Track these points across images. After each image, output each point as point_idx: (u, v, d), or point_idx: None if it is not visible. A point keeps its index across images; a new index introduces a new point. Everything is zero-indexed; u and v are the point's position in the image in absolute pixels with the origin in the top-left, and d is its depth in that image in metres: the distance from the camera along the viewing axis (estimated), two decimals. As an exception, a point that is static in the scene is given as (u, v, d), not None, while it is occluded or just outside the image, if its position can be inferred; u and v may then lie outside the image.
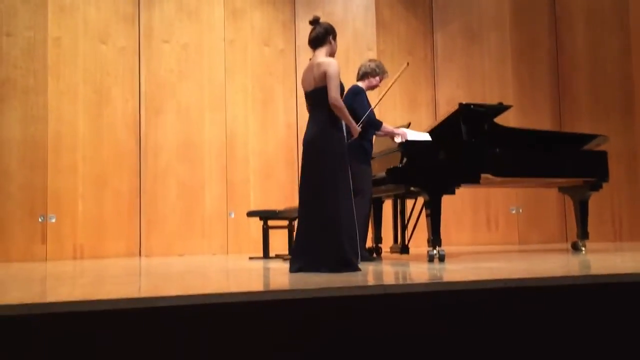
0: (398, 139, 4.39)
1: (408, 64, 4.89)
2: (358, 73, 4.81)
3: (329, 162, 3.57)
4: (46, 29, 6.55)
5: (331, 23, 3.89)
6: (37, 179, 6.39)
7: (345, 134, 3.73)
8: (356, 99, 4.57)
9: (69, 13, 6.69)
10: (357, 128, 3.83)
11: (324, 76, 3.60)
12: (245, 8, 7.46)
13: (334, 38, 3.82)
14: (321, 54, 3.74)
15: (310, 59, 3.81)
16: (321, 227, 3.52)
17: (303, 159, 3.72)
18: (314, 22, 3.82)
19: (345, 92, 4.52)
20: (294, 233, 5.59)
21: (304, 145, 3.73)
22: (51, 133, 6.48)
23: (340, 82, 3.69)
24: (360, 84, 4.74)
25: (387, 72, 4.85)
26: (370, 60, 4.85)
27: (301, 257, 3.55)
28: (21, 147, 6.39)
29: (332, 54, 3.79)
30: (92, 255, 6.52)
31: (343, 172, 3.60)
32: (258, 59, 7.48)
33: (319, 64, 3.67)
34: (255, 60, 7.46)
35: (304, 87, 3.81)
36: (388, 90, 4.68)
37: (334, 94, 3.59)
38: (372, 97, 4.95)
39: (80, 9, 6.76)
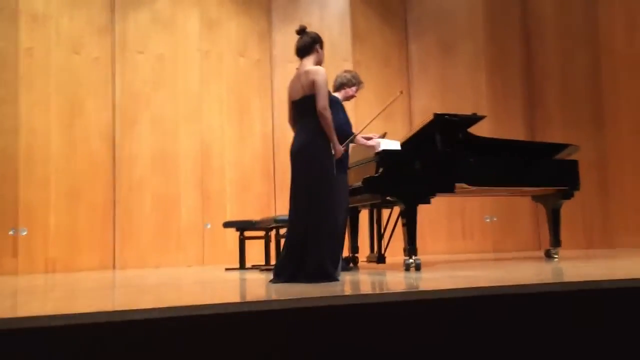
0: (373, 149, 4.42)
1: (402, 92, 4.83)
2: (334, 84, 4.82)
3: (316, 172, 3.57)
4: (18, 39, 6.47)
5: None
6: (8, 191, 6.28)
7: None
8: (332, 109, 4.56)
9: (41, 23, 6.61)
10: (338, 146, 3.76)
11: (312, 84, 3.60)
12: (221, 19, 7.46)
13: (321, 47, 3.84)
14: (309, 63, 3.74)
15: (297, 68, 3.80)
16: (305, 237, 3.52)
17: (292, 168, 3.70)
18: (301, 31, 3.84)
19: None
20: (270, 244, 5.62)
21: (291, 154, 3.71)
22: (22, 145, 6.38)
23: (332, 97, 3.68)
24: (337, 94, 4.76)
25: (363, 83, 4.86)
26: (346, 71, 4.86)
27: (285, 267, 3.55)
28: (-8, 158, 6.28)
29: (319, 62, 3.79)
30: (65, 269, 6.41)
31: (330, 182, 3.59)
32: (234, 70, 7.47)
33: (307, 72, 3.66)
34: (230, 71, 7.45)
35: (291, 96, 3.79)
36: (378, 115, 4.64)
37: (322, 102, 3.57)
38: (348, 107, 4.97)
39: (53, 19, 6.69)
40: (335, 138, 3.68)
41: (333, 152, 3.69)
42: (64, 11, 6.76)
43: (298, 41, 3.81)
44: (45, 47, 6.61)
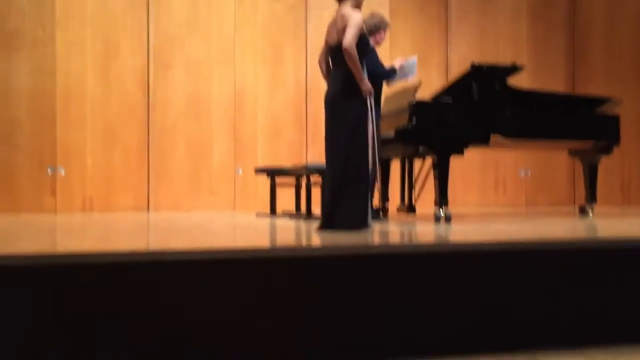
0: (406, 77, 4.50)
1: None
2: None
3: (349, 121, 3.54)
4: (54, -21, 6.46)
5: None
6: (46, 130, 6.41)
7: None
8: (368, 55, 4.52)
9: (77, -37, 6.58)
10: (367, 83, 3.67)
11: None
12: (256, -39, 7.30)
13: None
14: (345, 7, 3.62)
15: (336, 11, 3.70)
16: (338, 185, 3.53)
17: (325, 117, 3.67)
18: None
19: None
20: (301, 190, 5.65)
21: (325, 102, 3.68)
22: (59, 85, 6.46)
23: (368, 40, 3.61)
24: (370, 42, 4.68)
25: (389, 23, 4.79)
26: (371, 16, 4.77)
27: (323, 214, 3.60)
28: (30, 98, 6.39)
29: (357, 6, 3.66)
30: (101, 208, 6.58)
31: (363, 131, 3.56)
32: (268, 15, 7.35)
33: (342, 16, 3.57)
34: (265, 15, 7.34)
35: (327, 41, 3.72)
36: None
37: (349, 39, 3.47)
38: (384, 57, 4.88)
39: (88, -41, 6.64)
40: (362, 73, 3.59)
41: (362, 91, 3.62)
42: (99, -49, 6.70)
43: None
44: (81, -12, 6.60)
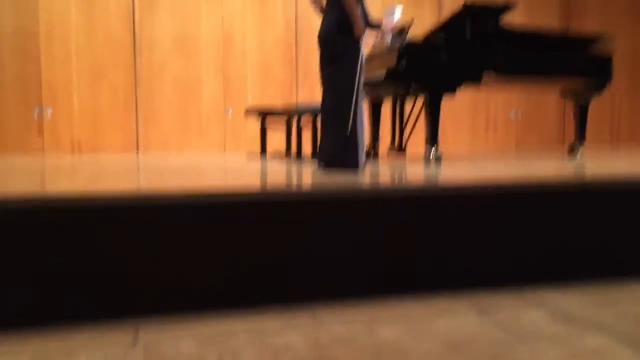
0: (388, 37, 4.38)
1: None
2: None
3: (340, 62, 3.50)
4: None
5: None
6: (31, 69, 6.27)
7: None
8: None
9: None
10: (361, 25, 3.64)
11: None
12: None
13: None
14: None
15: None
16: (328, 125, 3.56)
17: (319, 54, 3.64)
18: None
19: None
20: (292, 131, 5.62)
21: (318, 40, 3.64)
22: (42, 23, 6.28)
23: (365, 9, 3.53)
24: None
25: None
26: None
27: (319, 153, 3.64)
28: (12, 37, 6.22)
29: None
30: (90, 149, 6.53)
31: (353, 72, 3.53)
32: (256, -51, 7.11)
33: None
34: (253, -51, 7.10)
35: None
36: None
37: None
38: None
39: None
40: (357, 14, 3.51)
41: (356, 30, 3.57)
42: None
43: None
44: None
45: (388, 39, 4.65)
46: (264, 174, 3.38)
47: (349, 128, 3.53)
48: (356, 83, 3.57)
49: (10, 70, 6.21)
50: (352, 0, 3.48)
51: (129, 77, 6.77)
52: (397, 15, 4.42)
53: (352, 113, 3.56)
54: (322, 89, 3.68)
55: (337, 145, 3.52)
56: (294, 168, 3.85)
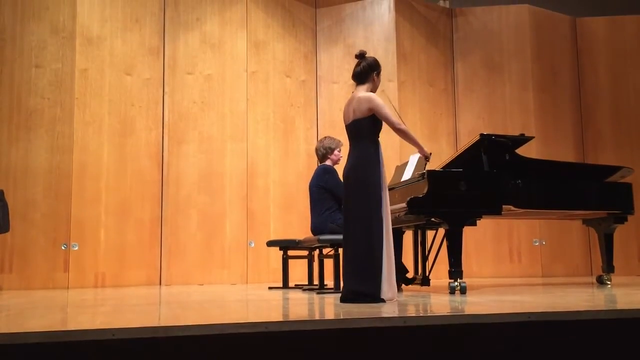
0: None
1: (429, 157, 4.35)
2: (317, 156, 5.30)
3: (363, 195, 3.64)
4: (74, 60, 6.71)
5: (354, 55, 3.94)
6: (61, 207, 6.47)
7: (382, 165, 3.74)
8: (329, 177, 5.06)
9: (96, 45, 6.85)
10: (424, 150, 4.07)
11: (366, 111, 3.68)
12: (268, 40, 7.58)
13: (378, 74, 3.88)
14: (362, 90, 3.80)
15: (352, 92, 3.89)
16: (351, 258, 3.62)
17: (344, 190, 3.82)
18: (360, 56, 3.88)
19: (314, 174, 5.23)
20: (314, 263, 5.61)
21: (343, 176, 3.84)
22: (76, 163, 6.58)
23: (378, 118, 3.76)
24: (328, 162, 5.21)
25: (341, 142, 5.11)
26: (320, 141, 5.34)
27: (344, 287, 3.67)
28: (47, 176, 6.49)
29: (373, 90, 3.85)
30: (113, 284, 6.55)
31: (377, 205, 3.64)
32: (279, 90, 7.56)
33: (359, 99, 3.75)
34: (276, 91, 7.54)
35: (344, 120, 3.89)
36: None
37: (391, 121, 3.74)
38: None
39: (107, 42, 6.92)
40: (418, 142, 3.97)
41: (424, 155, 4.12)
42: (117, 34, 6.99)
43: (356, 66, 3.87)
44: (99, 69, 6.84)
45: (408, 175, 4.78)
46: (284, 308, 3.33)
47: (377, 259, 3.55)
48: (384, 216, 3.64)
49: (42, 209, 6.42)
50: (407, 134, 3.85)
51: (156, 212, 6.94)
52: (415, 161, 4.75)
53: (380, 245, 3.59)
54: (345, 223, 3.74)
55: (363, 278, 3.51)
56: (315, 301, 3.80)
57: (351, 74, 3.91)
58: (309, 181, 5.36)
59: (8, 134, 6.47)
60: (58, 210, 6.46)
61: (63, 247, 6.40)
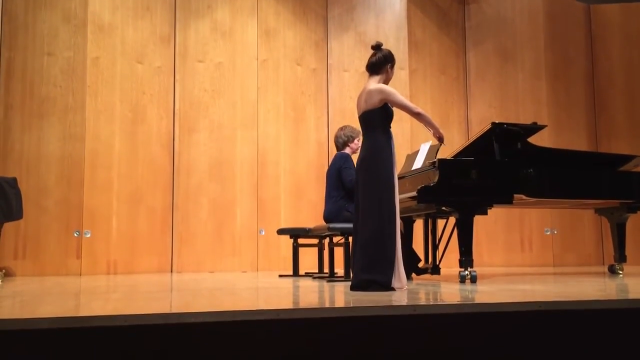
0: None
1: (443, 143, 4.32)
2: (337, 145, 5.33)
3: (375, 184, 3.64)
4: (85, 49, 6.73)
5: (365, 43, 3.93)
6: (74, 195, 6.52)
7: (394, 156, 3.74)
8: (345, 163, 5.10)
9: (107, 34, 6.87)
10: (440, 131, 3.99)
11: (377, 102, 3.69)
12: (278, 28, 7.55)
13: (392, 67, 3.87)
14: (374, 81, 3.81)
15: (365, 84, 3.89)
16: (362, 247, 3.61)
17: (356, 179, 3.82)
18: (376, 47, 3.87)
19: (334, 160, 5.25)
20: (324, 251, 5.63)
21: (356, 166, 3.87)
22: (88, 150, 6.62)
23: (389, 108, 3.75)
24: (347, 150, 5.25)
25: (361, 133, 5.09)
26: (341, 129, 5.33)
27: (353, 275, 3.66)
28: (59, 163, 6.54)
29: (386, 82, 3.85)
30: (125, 271, 6.60)
31: (388, 194, 3.63)
32: (290, 78, 7.54)
33: (369, 92, 3.75)
34: (287, 79, 7.53)
35: (357, 110, 3.90)
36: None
37: (408, 108, 3.79)
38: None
39: (118, 30, 6.93)
40: (435, 125, 3.94)
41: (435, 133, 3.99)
42: (128, 22, 7.00)
43: (371, 56, 3.86)
44: (110, 57, 6.86)
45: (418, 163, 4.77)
46: (294, 295, 3.34)
47: (389, 248, 3.54)
48: (396, 206, 3.63)
49: (54, 196, 6.47)
50: (424, 117, 3.84)
51: (167, 200, 6.98)
52: (426, 149, 4.74)
53: (392, 234, 3.59)
54: (356, 212, 3.74)
55: (375, 266, 3.51)
56: (325, 289, 3.81)
57: (363, 62, 3.91)
58: (327, 168, 5.38)
59: (21, 122, 6.51)
60: (70, 197, 6.51)
61: (75, 234, 6.46)
